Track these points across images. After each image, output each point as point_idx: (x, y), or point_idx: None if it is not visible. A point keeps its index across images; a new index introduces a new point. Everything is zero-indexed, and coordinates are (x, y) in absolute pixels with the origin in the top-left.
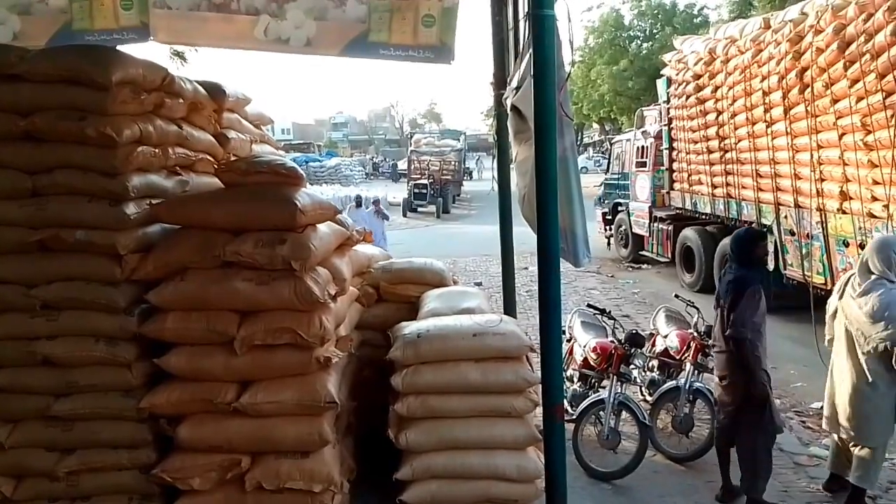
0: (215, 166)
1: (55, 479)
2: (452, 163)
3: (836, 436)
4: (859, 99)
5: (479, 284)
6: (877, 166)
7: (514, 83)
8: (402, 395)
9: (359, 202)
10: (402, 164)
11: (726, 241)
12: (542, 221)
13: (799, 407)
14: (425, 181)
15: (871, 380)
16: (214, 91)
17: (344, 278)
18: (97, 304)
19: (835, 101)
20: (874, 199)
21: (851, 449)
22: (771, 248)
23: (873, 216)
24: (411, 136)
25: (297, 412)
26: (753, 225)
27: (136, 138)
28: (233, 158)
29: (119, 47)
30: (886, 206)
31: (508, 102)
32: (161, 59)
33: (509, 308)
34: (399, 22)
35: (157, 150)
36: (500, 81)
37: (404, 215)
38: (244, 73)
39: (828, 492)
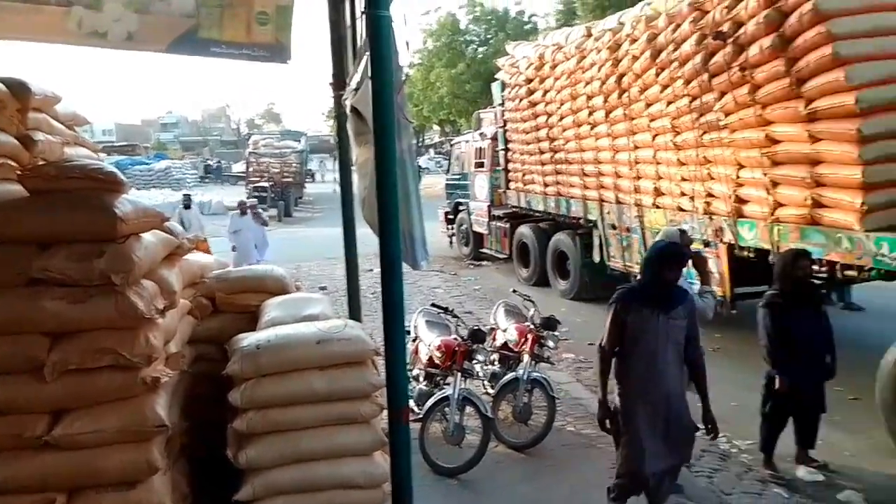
0: (18, 172)
1: None
2: (293, 164)
3: None
4: (669, 103)
5: (323, 289)
6: (684, 164)
7: (353, 84)
8: (242, 411)
9: (243, 210)
10: (239, 167)
11: (558, 236)
12: (383, 224)
13: None
14: (265, 184)
15: None
16: (17, 88)
17: (173, 290)
18: None
19: (648, 105)
20: (682, 194)
21: None
22: (597, 241)
23: (681, 210)
24: (249, 138)
25: (122, 440)
26: (579, 220)
27: None
28: (40, 163)
29: None
30: (692, 200)
31: (348, 104)
32: None
33: (354, 312)
34: (231, 18)
35: None
36: (340, 82)
37: None
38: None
39: None
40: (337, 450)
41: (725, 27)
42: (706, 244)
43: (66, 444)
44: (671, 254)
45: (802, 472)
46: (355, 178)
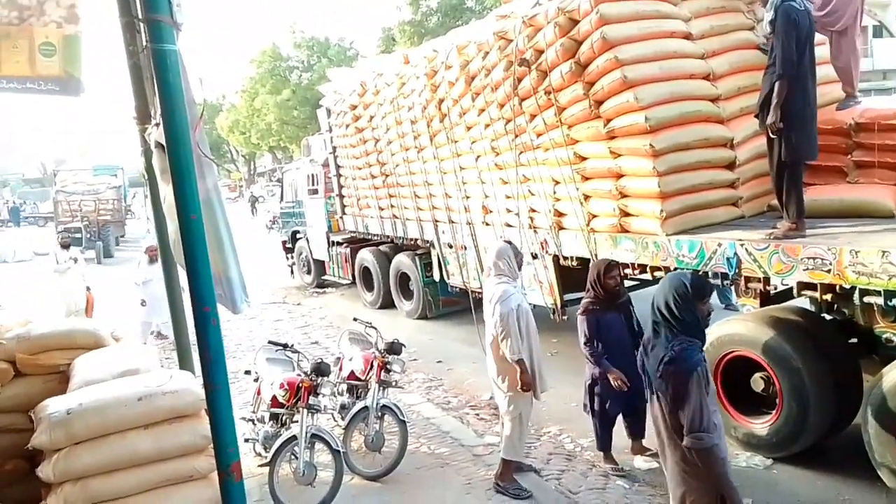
0: None
1: None
2: (111, 201)
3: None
4: (487, 126)
5: (160, 335)
6: (507, 183)
7: (156, 118)
8: (56, 486)
9: (153, 256)
10: (48, 206)
11: (399, 258)
12: (191, 268)
13: (473, 401)
14: (79, 224)
15: (496, 362)
16: None
17: None
18: None
19: (468, 129)
20: (508, 211)
21: (502, 426)
22: (435, 260)
23: (509, 226)
24: (56, 174)
25: None
26: (417, 241)
27: None
28: None
29: None
30: (518, 216)
31: (152, 138)
32: None
33: (184, 360)
34: (10, 51)
35: None
36: (143, 115)
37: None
38: None
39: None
40: None
41: (528, 54)
42: (534, 256)
43: None
44: (700, 285)
45: (639, 461)
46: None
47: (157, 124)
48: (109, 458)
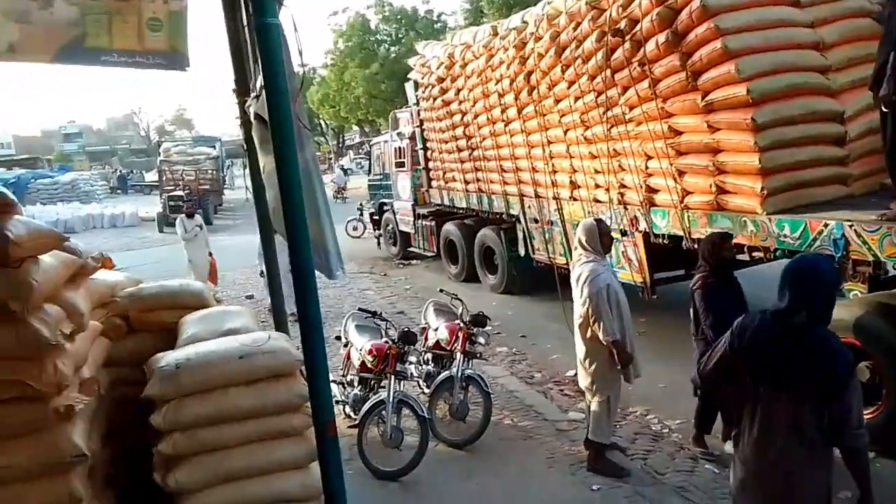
0: None
1: None
2: (210, 171)
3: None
4: (577, 98)
5: (250, 297)
6: (596, 157)
7: (255, 91)
8: (166, 434)
9: (190, 212)
10: (152, 176)
11: (483, 232)
12: (292, 235)
13: (557, 377)
14: (181, 192)
15: (586, 344)
16: None
17: (80, 313)
18: None
19: (557, 101)
20: (597, 186)
21: (589, 406)
22: (521, 235)
23: (598, 201)
24: (160, 145)
25: (39, 473)
26: (502, 215)
27: None
28: None
29: None
30: (607, 192)
31: (251, 110)
32: None
33: (279, 323)
34: (120, 26)
35: None
36: (243, 88)
37: (160, 231)
38: None
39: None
40: (270, 465)
41: (622, 24)
42: (623, 233)
43: None
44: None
45: (730, 446)
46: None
47: (257, 97)
48: (213, 411)
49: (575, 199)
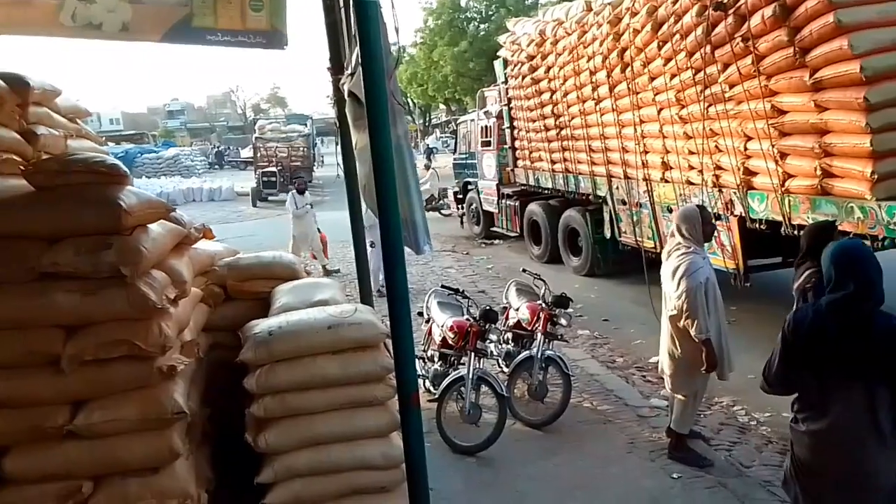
0: (22, 167)
1: None
2: (301, 149)
3: None
4: (673, 76)
5: (336, 272)
6: (691, 138)
7: (350, 69)
8: (258, 397)
9: (301, 188)
10: (248, 152)
11: (568, 213)
12: (383, 210)
13: (639, 363)
14: (274, 169)
15: (675, 337)
16: (16, 83)
17: (184, 280)
18: None
19: (652, 79)
20: (690, 167)
21: (673, 395)
22: (607, 217)
23: (691, 183)
24: (255, 122)
25: (143, 427)
26: (588, 196)
27: None
28: (44, 157)
29: None
30: (701, 173)
31: (345, 88)
32: None
33: (365, 296)
34: (224, 6)
35: None
36: (337, 66)
37: (254, 205)
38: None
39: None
40: (354, 432)
41: None
42: (717, 217)
43: (88, 433)
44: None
45: None
46: (357, 163)
47: (351, 74)
48: (302, 377)
49: (666, 181)
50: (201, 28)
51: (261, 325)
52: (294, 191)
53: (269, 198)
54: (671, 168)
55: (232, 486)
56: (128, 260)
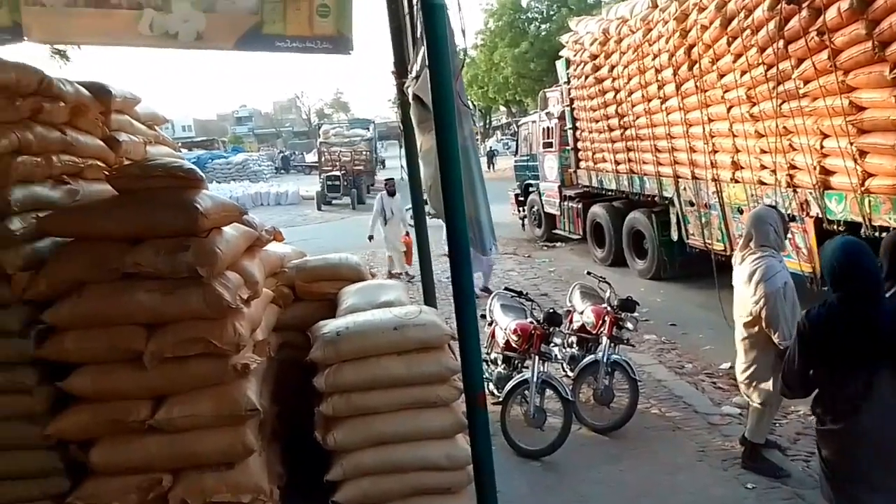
0: (106, 172)
1: None
2: (364, 152)
3: None
4: (743, 73)
5: (398, 275)
6: (763, 136)
7: (414, 72)
8: (326, 395)
9: (391, 190)
10: (312, 157)
11: (633, 214)
12: (450, 211)
13: (709, 369)
14: (337, 173)
15: (749, 343)
16: (99, 92)
17: (256, 281)
18: None
19: (721, 76)
20: (762, 167)
21: (748, 403)
22: (674, 218)
23: (763, 183)
24: (320, 127)
25: (218, 423)
26: (654, 197)
27: (15, 148)
28: (126, 163)
29: None
30: (774, 173)
31: (410, 91)
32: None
33: (429, 297)
34: (293, 13)
35: (39, 159)
36: (401, 70)
37: (319, 209)
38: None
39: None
40: (419, 432)
41: None
42: (791, 219)
43: (168, 427)
44: None
45: None
46: (421, 165)
47: (416, 77)
48: (369, 377)
49: (737, 181)
50: (271, 35)
51: (329, 326)
52: (383, 192)
53: (333, 201)
54: (742, 168)
55: (301, 483)
56: (204, 261)
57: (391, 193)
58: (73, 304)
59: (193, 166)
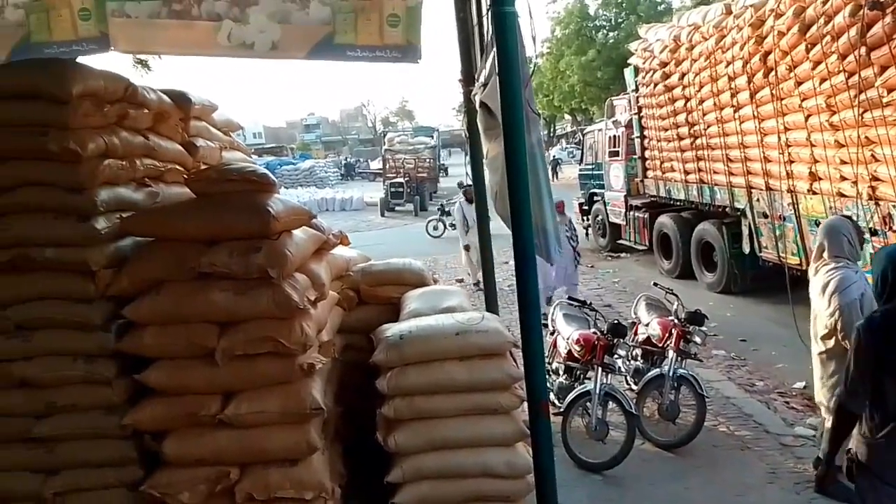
0: (185, 176)
1: (42, 502)
2: (427, 160)
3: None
4: (822, 80)
5: (460, 281)
6: (843, 146)
7: (482, 80)
8: (388, 398)
9: (469, 196)
10: (377, 164)
11: (702, 226)
12: (516, 218)
13: (782, 388)
14: (401, 180)
15: (827, 358)
16: (180, 99)
17: (323, 283)
18: (72, 323)
19: (799, 84)
20: (842, 178)
21: (823, 423)
22: (746, 230)
23: (843, 195)
24: (384, 135)
25: (284, 421)
26: (725, 208)
27: (102, 151)
28: (203, 167)
29: (79, 59)
30: (855, 185)
31: (477, 99)
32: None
33: (491, 304)
34: (364, 23)
35: (124, 163)
36: (469, 78)
37: (382, 215)
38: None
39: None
40: (479, 439)
41: None
42: (873, 233)
43: (236, 422)
44: None
45: None
46: (486, 172)
47: (484, 85)
48: (431, 381)
49: (814, 193)
50: (343, 44)
51: (392, 329)
52: (462, 199)
53: (397, 208)
54: (820, 179)
55: (361, 483)
56: (275, 263)
57: (470, 201)
58: (152, 301)
59: (266, 171)
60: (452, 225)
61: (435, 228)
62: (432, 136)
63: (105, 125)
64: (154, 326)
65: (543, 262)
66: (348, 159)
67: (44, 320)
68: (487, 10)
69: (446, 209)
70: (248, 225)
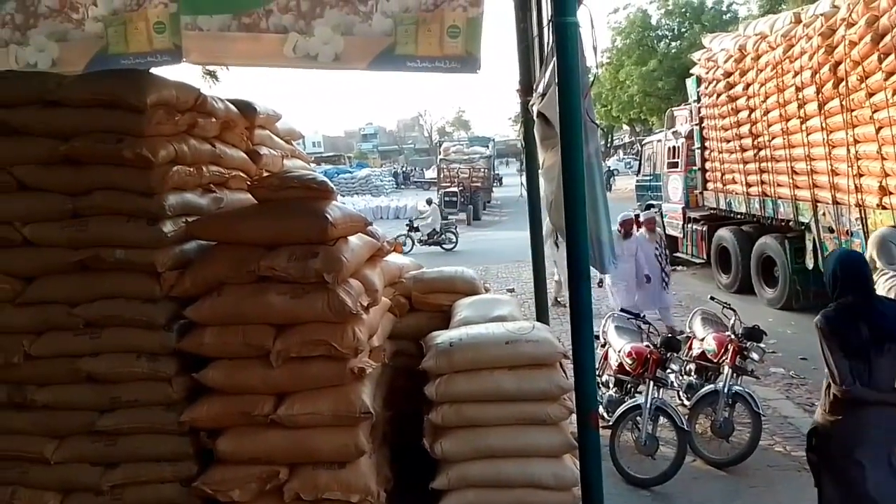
0: (248, 183)
1: (100, 493)
2: (482, 170)
3: None
4: (895, 92)
5: (511, 291)
6: None
7: (540, 90)
8: (437, 405)
9: (628, 229)
10: (431, 173)
11: (763, 240)
12: (571, 228)
13: None
14: (455, 189)
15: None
16: (245, 109)
17: (376, 289)
18: (137, 321)
19: (870, 95)
20: None
21: None
22: (810, 245)
23: None
24: (440, 145)
25: (333, 423)
26: (789, 222)
27: (172, 158)
28: (265, 174)
29: (153, 69)
30: None
31: (535, 109)
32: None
33: (541, 314)
34: (425, 34)
35: (191, 169)
36: (527, 88)
37: None
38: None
39: None
40: (526, 449)
41: None
42: None
43: (288, 422)
44: None
45: None
46: (542, 182)
47: (542, 95)
48: (479, 389)
49: (885, 207)
50: (403, 55)
51: (442, 336)
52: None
53: (450, 216)
54: (890, 193)
55: (407, 489)
56: (331, 268)
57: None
58: (213, 302)
59: (325, 179)
60: (421, 241)
61: (403, 245)
62: (487, 146)
63: (176, 133)
64: (213, 327)
65: (617, 283)
66: (404, 168)
67: (111, 318)
68: (549, 21)
69: (414, 224)
70: (307, 230)
